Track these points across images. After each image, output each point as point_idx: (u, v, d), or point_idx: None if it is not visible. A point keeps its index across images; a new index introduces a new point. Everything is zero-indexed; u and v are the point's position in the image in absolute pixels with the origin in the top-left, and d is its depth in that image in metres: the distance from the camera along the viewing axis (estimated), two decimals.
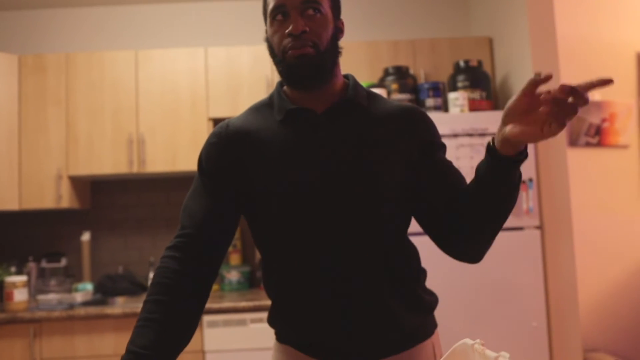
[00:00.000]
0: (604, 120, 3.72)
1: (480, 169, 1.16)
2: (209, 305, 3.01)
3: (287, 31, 1.22)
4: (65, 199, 3.40)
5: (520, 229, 2.98)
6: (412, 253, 1.32)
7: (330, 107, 1.28)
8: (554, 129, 0.98)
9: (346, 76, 1.36)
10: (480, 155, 2.98)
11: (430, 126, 1.33)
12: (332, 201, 1.22)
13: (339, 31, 1.30)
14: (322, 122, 1.27)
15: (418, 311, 1.29)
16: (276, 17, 1.24)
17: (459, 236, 1.25)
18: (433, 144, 1.30)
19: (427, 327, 1.32)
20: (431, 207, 1.28)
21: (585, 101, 0.94)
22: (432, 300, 1.33)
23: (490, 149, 1.12)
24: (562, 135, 3.08)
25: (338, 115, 1.28)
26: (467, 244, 1.24)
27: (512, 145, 1.08)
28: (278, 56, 1.25)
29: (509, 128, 1.05)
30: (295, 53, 1.21)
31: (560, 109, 0.97)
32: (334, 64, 1.28)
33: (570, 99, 0.96)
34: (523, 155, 1.11)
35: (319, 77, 1.25)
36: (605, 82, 0.91)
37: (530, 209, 2.97)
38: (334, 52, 1.28)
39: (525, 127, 1.02)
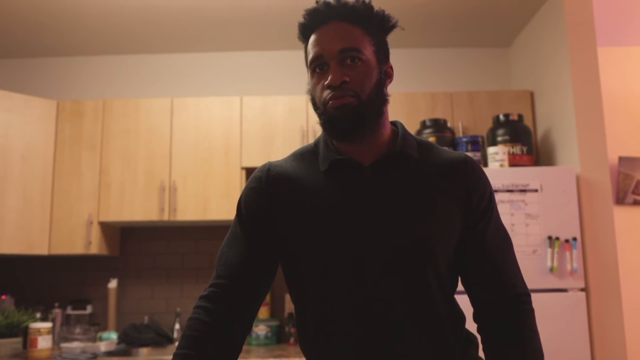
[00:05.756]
0: None
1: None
2: None
3: (326, 83, 1.16)
4: (95, 245, 3.37)
5: (563, 290, 2.83)
6: (459, 317, 1.23)
7: (377, 159, 1.21)
8: None
9: (394, 123, 1.29)
10: (520, 213, 2.86)
11: (478, 183, 1.23)
12: (375, 260, 1.15)
13: (386, 77, 1.22)
14: (368, 175, 1.20)
15: None
16: (315, 69, 1.20)
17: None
18: (478, 208, 1.22)
19: None
20: (463, 278, 1.28)
21: None
22: None
23: None
24: (608, 193, 2.94)
25: (386, 168, 1.21)
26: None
27: None
28: (320, 108, 1.19)
29: None
30: (336, 104, 1.15)
31: None
32: (380, 113, 1.20)
33: None
34: None
35: (361, 128, 1.17)
36: None
37: (575, 270, 2.82)
38: (379, 100, 1.19)
39: None
